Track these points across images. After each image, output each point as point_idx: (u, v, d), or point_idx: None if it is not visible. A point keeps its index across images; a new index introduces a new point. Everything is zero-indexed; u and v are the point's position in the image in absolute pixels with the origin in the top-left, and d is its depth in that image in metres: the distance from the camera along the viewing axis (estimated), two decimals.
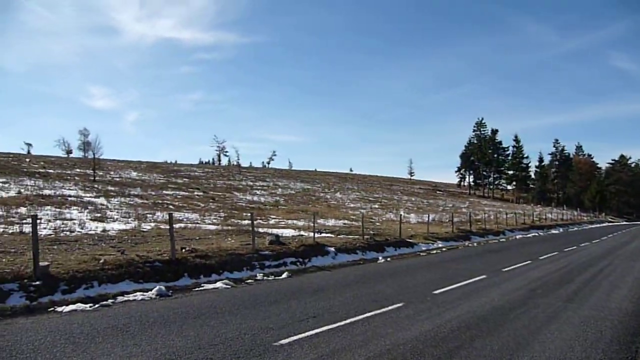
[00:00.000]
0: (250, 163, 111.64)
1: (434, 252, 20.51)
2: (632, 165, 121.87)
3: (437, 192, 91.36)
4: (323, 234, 21.01)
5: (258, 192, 47.28)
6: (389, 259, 17.33)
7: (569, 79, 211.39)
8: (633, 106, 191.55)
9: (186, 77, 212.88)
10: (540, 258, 17.78)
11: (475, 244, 25.29)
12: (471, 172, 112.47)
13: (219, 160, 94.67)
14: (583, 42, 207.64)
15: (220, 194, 42.02)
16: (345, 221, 29.90)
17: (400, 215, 29.56)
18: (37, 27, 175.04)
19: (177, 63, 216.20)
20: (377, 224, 30.48)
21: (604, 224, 65.86)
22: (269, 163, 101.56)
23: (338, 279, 12.07)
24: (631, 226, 59.88)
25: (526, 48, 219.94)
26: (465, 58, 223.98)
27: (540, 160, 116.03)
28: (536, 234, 36.57)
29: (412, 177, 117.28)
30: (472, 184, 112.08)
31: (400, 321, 7.48)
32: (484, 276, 12.58)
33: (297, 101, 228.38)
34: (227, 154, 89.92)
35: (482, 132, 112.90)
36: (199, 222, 22.95)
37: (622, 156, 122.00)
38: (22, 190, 28.33)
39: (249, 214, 18.84)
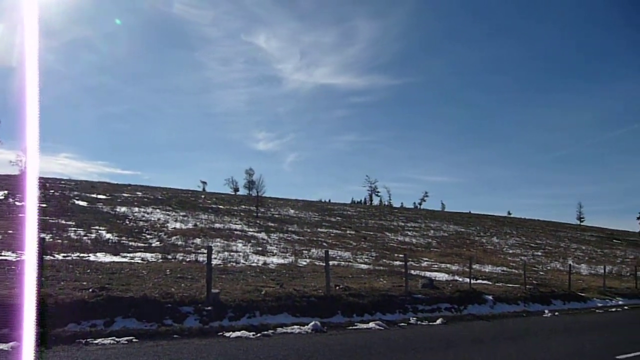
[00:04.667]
0: (402, 203, 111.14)
1: (613, 309, 17.97)
2: None
3: (614, 240, 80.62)
4: (479, 281, 19.81)
5: (409, 233, 46.67)
6: (556, 313, 15.59)
7: None
8: None
9: (340, 119, 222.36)
10: None
11: None
12: None
13: (371, 200, 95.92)
14: None
15: (371, 233, 42.39)
16: (504, 268, 27.89)
17: (569, 264, 26.63)
18: (215, 81, 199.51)
19: (332, 107, 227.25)
20: (541, 273, 27.86)
21: None
22: (420, 204, 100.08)
23: (498, 331, 11.19)
24: None
25: None
26: (636, 94, 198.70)
27: None
28: None
29: (581, 223, 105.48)
30: None
31: None
32: None
33: (449, 141, 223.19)
34: (379, 193, 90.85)
35: None
36: (351, 260, 23.32)
37: None
38: (198, 223, 31.79)
39: (401, 255, 18.62)
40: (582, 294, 19.70)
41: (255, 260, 19.45)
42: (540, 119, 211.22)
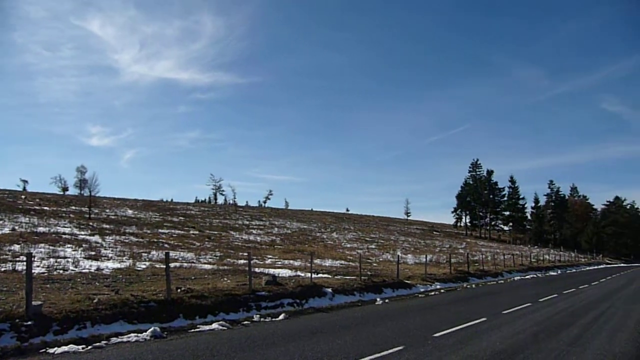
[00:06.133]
0: (247, 202, 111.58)
1: (432, 293, 20.25)
2: (628, 206, 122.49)
3: (434, 232, 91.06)
4: (320, 275, 20.77)
5: (254, 232, 47.02)
6: (387, 300, 17.08)
7: (562, 122, 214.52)
8: (625, 148, 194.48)
9: (184, 116, 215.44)
10: (540, 300, 17.55)
11: (473, 286, 24.99)
12: (467, 212, 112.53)
13: (215, 199, 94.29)
14: (575, 86, 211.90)
15: (216, 232, 41.76)
16: (342, 261, 29.63)
17: (398, 256, 29.35)
18: (39, 67, 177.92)
19: (174, 102, 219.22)
20: (374, 264, 30.21)
21: (601, 266, 65.41)
22: (265, 202, 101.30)
23: (336, 321, 11.85)
24: (629, 268, 59.49)
25: (520, 91, 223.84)
26: (461, 100, 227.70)
27: (536, 201, 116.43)
28: (534, 276, 36.24)
29: (408, 218, 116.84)
30: (468, 224, 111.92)
31: None
32: (484, 319, 12.37)
33: (292, 141, 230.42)
34: (224, 192, 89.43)
35: (478, 173, 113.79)
36: (194, 261, 22.71)
37: (617, 198, 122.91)
38: (17, 228, 28.09)
39: (246, 254, 18.68)
40: (408, 282, 21.86)
41: (88, 266, 17.86)
42: (376, 123, 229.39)
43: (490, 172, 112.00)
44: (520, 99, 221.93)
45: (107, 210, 48.76)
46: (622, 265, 76.02)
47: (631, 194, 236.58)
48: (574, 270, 49.17)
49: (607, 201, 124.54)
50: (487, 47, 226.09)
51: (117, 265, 18.85)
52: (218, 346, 8.44)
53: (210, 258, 24.88)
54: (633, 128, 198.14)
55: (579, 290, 23.28)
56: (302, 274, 19.82)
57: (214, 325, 10.58)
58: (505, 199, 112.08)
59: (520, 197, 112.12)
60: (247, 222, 56.06)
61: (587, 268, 57.06)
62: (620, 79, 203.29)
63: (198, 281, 15.63)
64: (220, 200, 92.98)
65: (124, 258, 21.41)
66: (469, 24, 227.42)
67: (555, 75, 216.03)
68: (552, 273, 41.75)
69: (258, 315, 12.24)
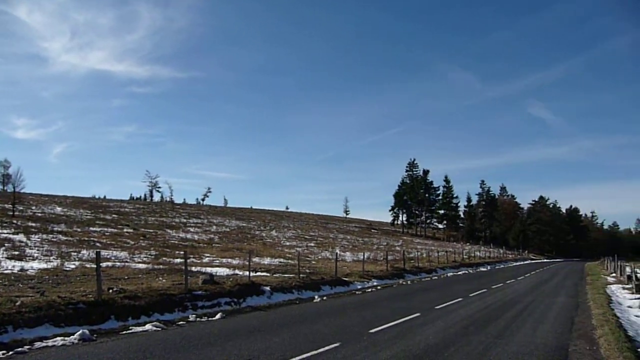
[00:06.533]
0: (184, 199, 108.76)
1: (369, 290, 20.66)
2: (551, 205, 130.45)
3: (372, 230, 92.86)
4: (258, 273, 20.68)
5: (192, 230, 46.01)
6: (325, 297, 17.26)
7: (493, 125, 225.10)
8: (549, 150, 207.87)
9: (119, 110, 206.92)
10: (470, 295, 18.36)
11: (409, 282, 25.75)
12: (404, 211, 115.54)
13: (151, 196, 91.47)
14: (504, 91, 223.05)
15: (151, 231, 40.51)
16: (281, 260, 29.62)
17: (336, 253, 29.69)
18: None
19: (109, 95, 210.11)
20: (313, 262, 30.42)
21: (527, 262, 69.23)
22: (203, 200, 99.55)
23: (274, 319, 11.86)
24: (551, 264, 63.44)
25: (454, 95, 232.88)
26: (400, 102, 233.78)
27: (469, 200, 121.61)
28: (466, 272, 37.81)
29: (347, 216, 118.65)
30: (405, 222, 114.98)
31: None
32: (418, 314, 12.80)
33: (232, 138, 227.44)
34: (160, 189, 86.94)
35: (415, 172, 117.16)
36: (128, 260, 21.95)
37: (541, 197, 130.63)
38: None
39: (182, 252, 18.26)
40: (346, 279, 22.20)
41: (10, 267, 16.82)
42: (318, 122, 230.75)
43: (426, 172, 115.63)
44: (455, 102, 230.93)
45: (34, 208, 46.06)
46: (545, 261, 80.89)
47: (554, 194, 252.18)
48: (502, 266, 51.78)
49: (533, 200, 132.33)
50: (425, 52, 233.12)
51: (43, 265, 17.88)
52: (151, 348, 8.22)
53: (145, 257, 24.12)
54: (555, 132, 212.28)
55: (506, 285, 24.56)
56: (241, 273, 19.64)
57: (148, 326, 10.28)
58: (440, 198, 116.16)
59: (454, 196, 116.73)
60: (185, 220, 54.77)
61: (514, 264, 60.23)
62: (545, 86, 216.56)
63: (132, 281, 15.12)
64: (157, 197, 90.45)
65: (51, 258, 20.34)
66: (408, 30, 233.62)
67: (486, 80, 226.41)
68: (483, 269, 43.75)
69: (194, 315, 12.03)
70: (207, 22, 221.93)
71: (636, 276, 22.74)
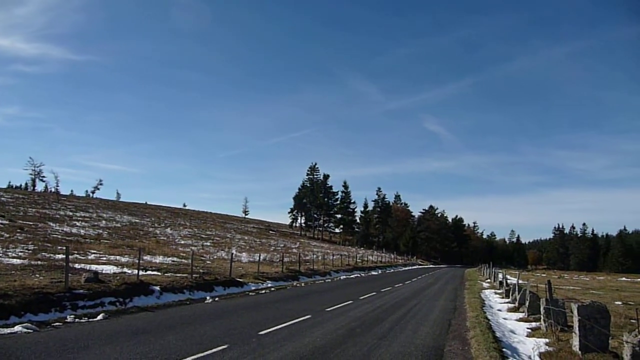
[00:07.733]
0: (72, 191, 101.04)
1: (263, 291, 20.65)
2: (439, 215, 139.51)
3: (270, 232, 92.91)
4: (149, 272, 19.83)
5: (78, 224, 42.89)
6: (217, 298, 16.96)
7: (391, 135, 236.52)
8: (439, 164, 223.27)
9: None
10: (360, 298, 19.05)
11: (303, 284, 26.11)
12: (303, 214, 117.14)
13: (34, 185, 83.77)
14: (403, 104, 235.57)
15: (31, 223, 37.13)
16: (175, 258, 28.63)
17: (232, 253, 29.32)
18: None
19: None
20: (208, 262, 29.77)
21: (415, 267, 73.38)
22: (93, 192, 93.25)
23: (161, 320, 11.43)
24: (436, 269, 67.86)
25: (357, 103, 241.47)
26: (304, 106, 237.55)
27: (365, 206, 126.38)
28: (358, 275, 39.17)
29: (246, 216, 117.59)
30: (303, 225, 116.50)
31: None
32: (309, 316, 13.03)
33: (129, 130, 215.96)
34: (45, 179, 79.91)
35: (315, 176, 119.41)
36: (0, 255, 19.94)
37: (431, 206, 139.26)
38: None
39: (64, 248, 16.97)
40: (241, 280, 21.99)
41: None
42: (220, 121, 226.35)
43: (326, 177, 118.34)
44: (358, 111, 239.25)
45: None
46: (431, 266, 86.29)
47: (442, 204, 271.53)
48: (392, 270, 54.35)
49: (423, 209, 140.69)
50: (331, 59, 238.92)
51: None
52: (18, 352, 7.54)
53: (21, 252, 22.07)
54: (446, 147, 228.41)
55: (394, 288, 25.80)
56: (129, 271, 18.70)
57: (17, 328, 9.42)
58: (338, 202, 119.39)
59: (352, 201, 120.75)
60: (71, 213, 50.91)
61: (403, 268, 63.53)
62: (439, 103, 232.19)
63: (3, 278, 13.77)
64: (40, 187, 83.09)
65: None
66: (317, 35, 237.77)
67: (387, 92, 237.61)
68: (374, 273, 45.59)
69: (73, 316, 11.23)
70: (113, 6, 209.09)
71: (506, 282, 25.07)
